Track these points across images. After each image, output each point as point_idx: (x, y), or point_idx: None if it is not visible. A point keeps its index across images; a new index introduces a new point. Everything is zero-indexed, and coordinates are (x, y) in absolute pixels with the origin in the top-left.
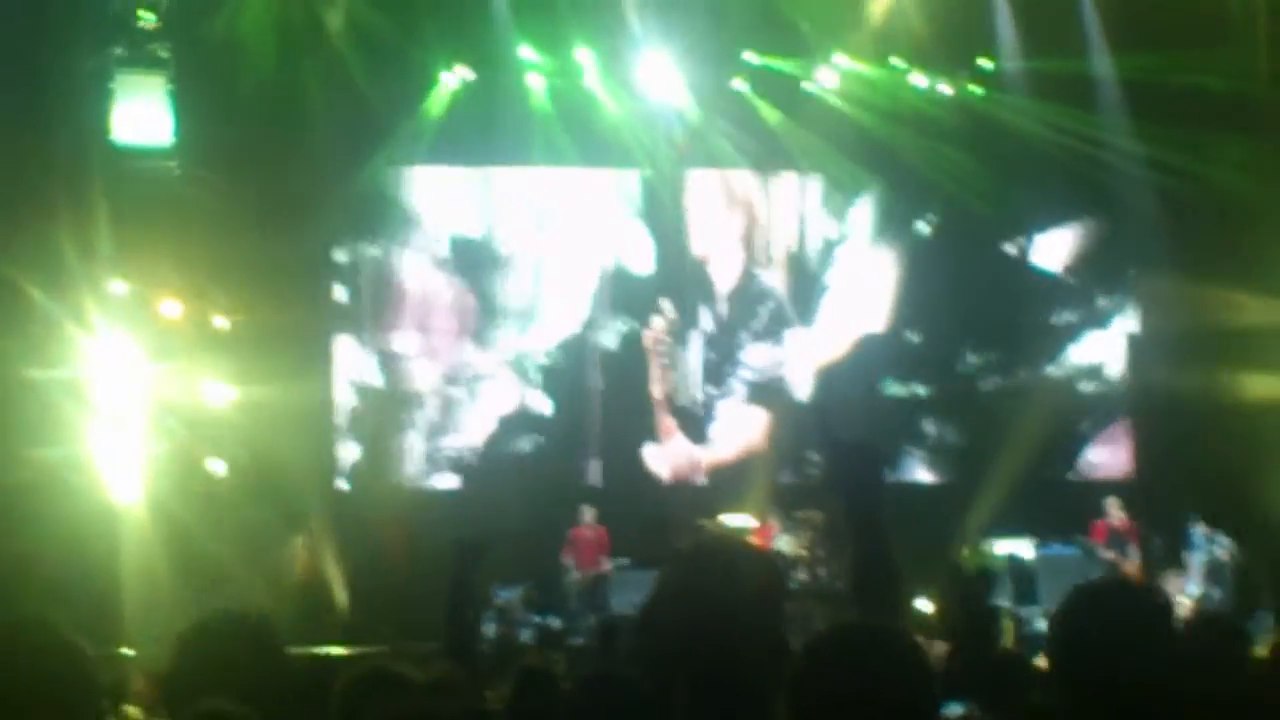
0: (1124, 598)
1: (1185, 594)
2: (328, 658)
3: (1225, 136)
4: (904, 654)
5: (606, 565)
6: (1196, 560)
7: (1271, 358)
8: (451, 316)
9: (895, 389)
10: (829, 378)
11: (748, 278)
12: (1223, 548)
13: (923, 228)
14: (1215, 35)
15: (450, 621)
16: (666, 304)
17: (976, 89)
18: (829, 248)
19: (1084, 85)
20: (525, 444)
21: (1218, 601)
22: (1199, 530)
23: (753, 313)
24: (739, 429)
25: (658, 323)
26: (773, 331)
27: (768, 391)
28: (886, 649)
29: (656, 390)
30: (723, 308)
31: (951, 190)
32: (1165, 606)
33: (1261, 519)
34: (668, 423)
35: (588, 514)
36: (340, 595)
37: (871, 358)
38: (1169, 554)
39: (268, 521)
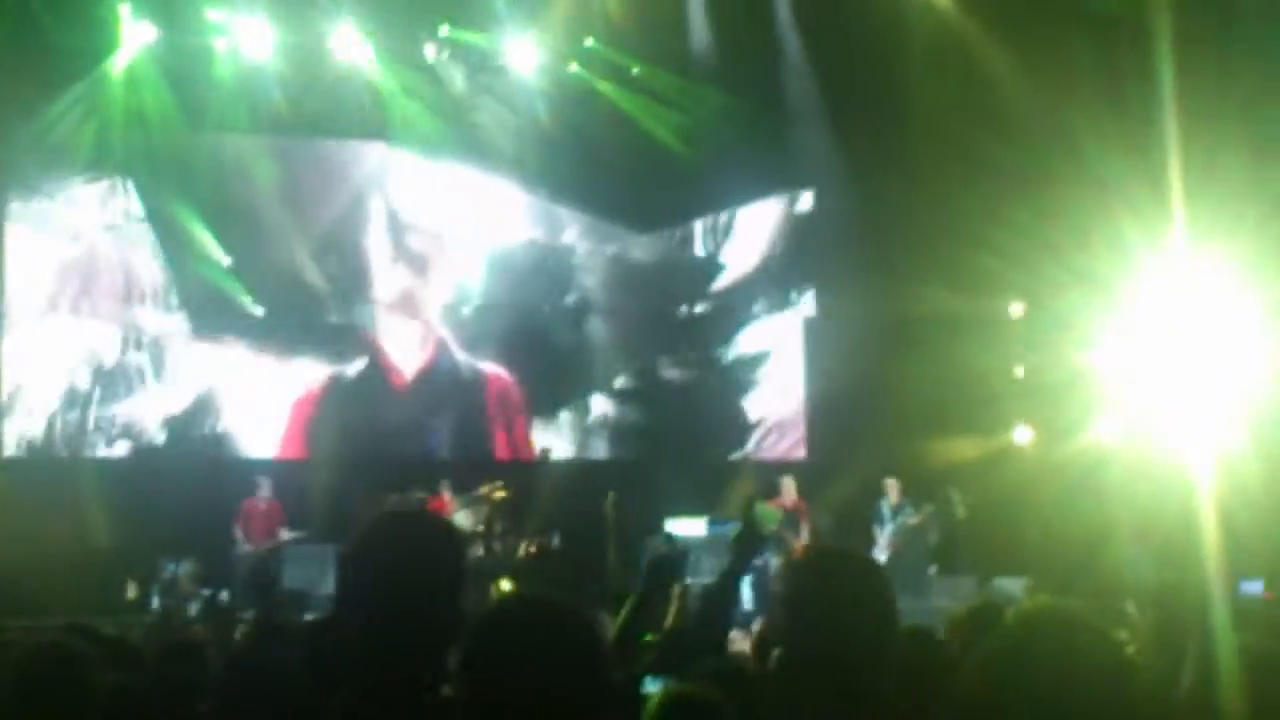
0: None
1: None
2: None
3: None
4: (576, 628)
5: (280, 538)
6: (885, 532)
7: (945, 345)
8: (124, 283)
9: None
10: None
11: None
12: (910, 515)
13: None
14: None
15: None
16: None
17: (664, 71)
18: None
19: (774, 72)
20: (199, 415)
21: (906, 569)
22: (886, 504)
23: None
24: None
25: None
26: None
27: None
28: (557, 623)
29: None
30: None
31: (636, 170)
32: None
33: (944, 493)
34: None
35: (263, 486)
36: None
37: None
38: (841, 533)
39: None
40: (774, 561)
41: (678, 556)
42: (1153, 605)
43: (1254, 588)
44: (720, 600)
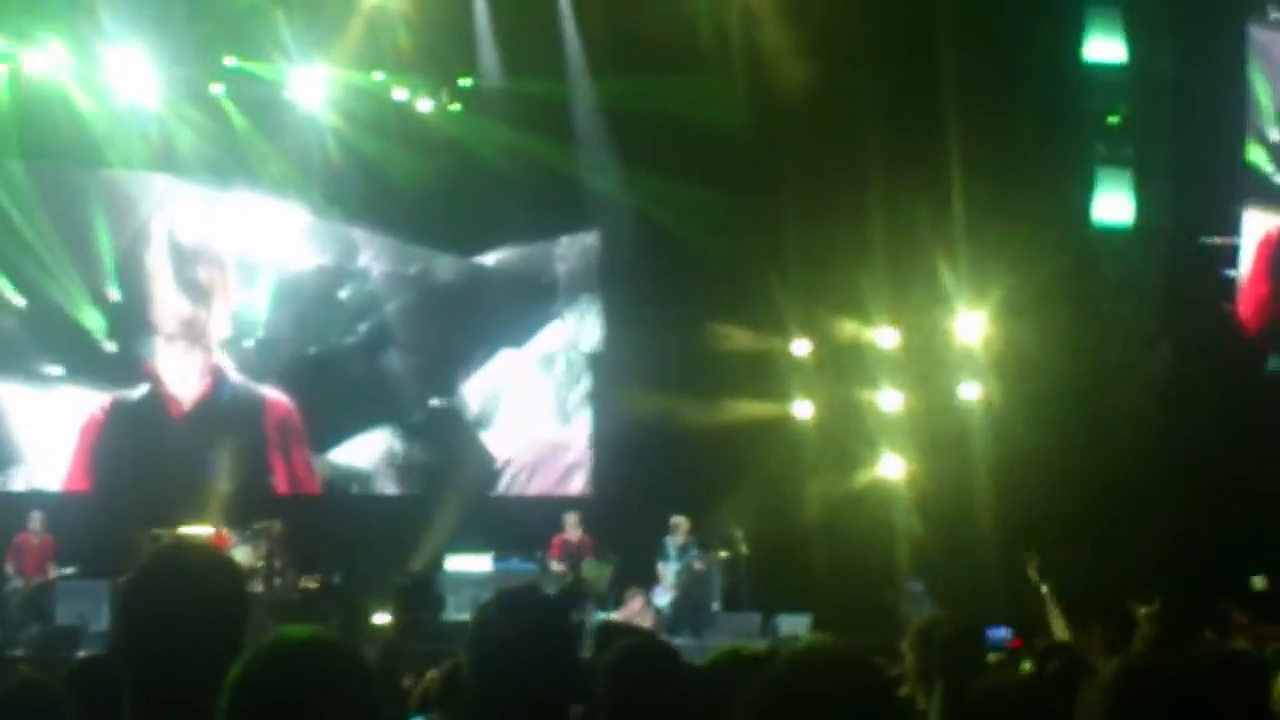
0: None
1: (654, 603)
2: None
3: (696, 181)
4: (343, 663)
5: (52, 573)
6: (670, 570)
7: (732, 382)
8: None
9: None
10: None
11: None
12: (697, 557)
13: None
14: (693, 63)
15: None
16: None
17: (456, 107)
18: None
19: (564, 108)
20: None
21: (694, 605)
22: (671, 542)
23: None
24: None
25: None
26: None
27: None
28: (323, 658)
29: None
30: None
31: (414, 205)
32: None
33: (727, 532)
34: None
35: (35, 519)
36: None
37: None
38: (628, 570)
39: None
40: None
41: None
42: (918, 644)
43: (999, 634)
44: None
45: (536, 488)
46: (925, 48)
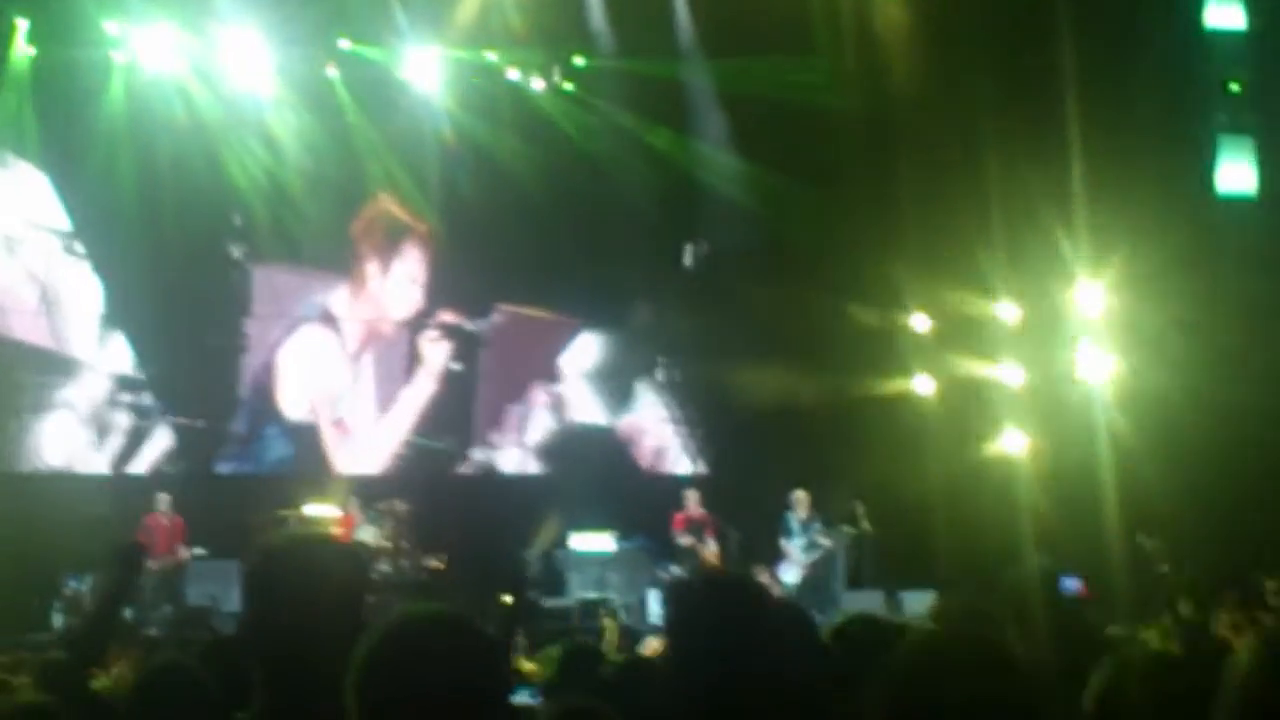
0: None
1: (781, 580)
2: None
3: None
4: (476, 640)
5: (183, 554)
6: (795, 546)
7: (854, 359)
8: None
9: None
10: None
11: None
12: (822, 533)
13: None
14: (806, 44)
15: (96, 621)
16: None
17: (569, 86)
18: None
19: (676, 88)
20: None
21: (819, 584)
22: (794, 517)
23: None
24: None
25: None
26: None
27: None
28: (457, 636)
29: None
30: None
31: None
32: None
33: (850, 507)
34: None
35: (163, 501)
36: None
37: None
38: (747, 544)
39: None
40: (675, 571)
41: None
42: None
43: (1071, 584)
44: None
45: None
46: (1042, 19)
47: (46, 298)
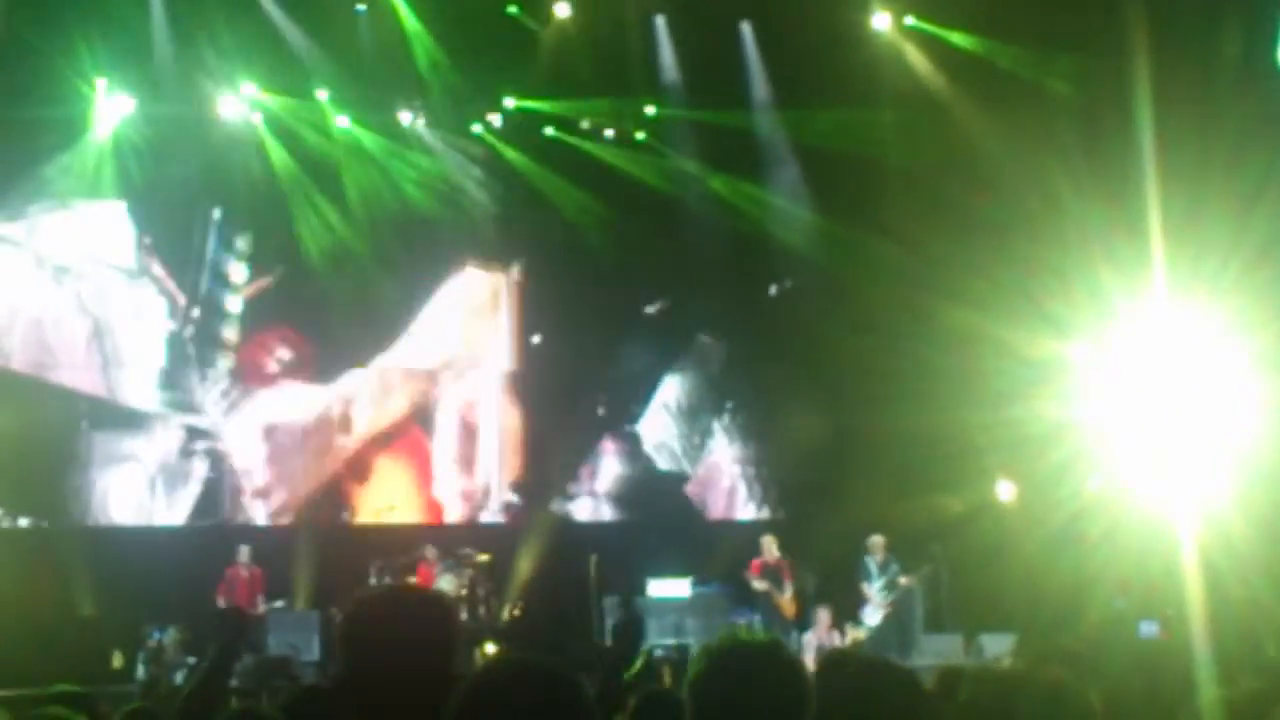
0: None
1: (864, 623)
2: None
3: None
4: (563, 689)
5: (261, 606)
6: (875, 588)
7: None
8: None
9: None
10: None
11: None
12: (899, 574)
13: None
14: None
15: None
16: None
17: (641, 135)
18: None
19: (750, 138)
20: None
21: (900, 625)
22: (872, 561)
23: None
24: None
25: None
26: None
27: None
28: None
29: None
30: None
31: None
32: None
33: (927, 549)
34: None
35: (243, 553)
36: None
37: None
38: (825, 589)
39: None
40: (756, 621)
41: (635, 620)
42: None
43: (1149, 628)
44: None
45: (713, 512)
46: (1117, 60)
47: (98, 331)
